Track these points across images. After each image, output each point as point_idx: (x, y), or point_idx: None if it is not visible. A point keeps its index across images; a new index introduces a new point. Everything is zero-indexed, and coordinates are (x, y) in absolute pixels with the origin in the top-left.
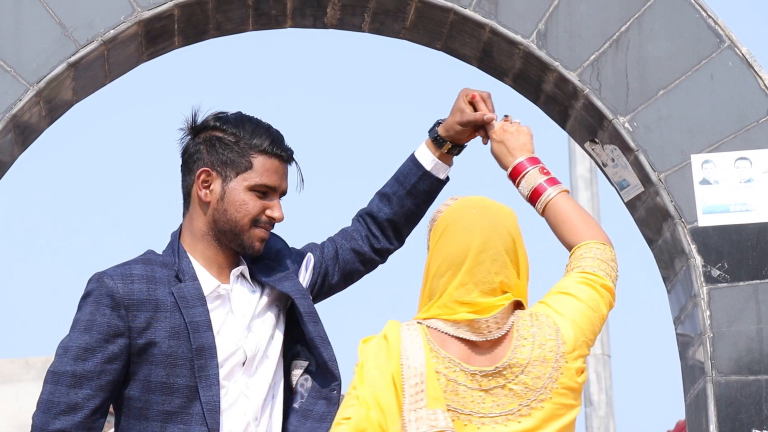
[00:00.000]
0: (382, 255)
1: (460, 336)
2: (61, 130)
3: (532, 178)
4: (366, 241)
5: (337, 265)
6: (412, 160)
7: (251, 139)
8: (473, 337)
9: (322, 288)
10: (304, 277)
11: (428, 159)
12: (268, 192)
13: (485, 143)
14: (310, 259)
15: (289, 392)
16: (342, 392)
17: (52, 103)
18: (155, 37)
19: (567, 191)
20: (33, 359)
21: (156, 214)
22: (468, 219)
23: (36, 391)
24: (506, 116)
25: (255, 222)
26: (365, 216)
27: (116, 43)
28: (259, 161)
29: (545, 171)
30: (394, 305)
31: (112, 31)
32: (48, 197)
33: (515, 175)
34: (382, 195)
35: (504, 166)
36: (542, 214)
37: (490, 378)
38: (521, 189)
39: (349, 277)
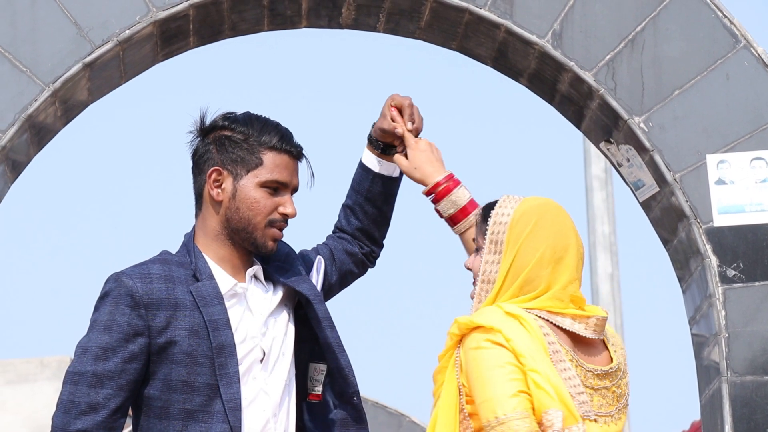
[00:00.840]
0: (370, 260)
1: (575, 331)
2: (77, 131)
3: (460, 197)
4: (353, 245)
5: (334, 265)
6: (361, 166)
7: (260, 136)
8: (591, 335)
9: (327, 288)
10: (317, 280)
11: (373, 161)
12: (279, 188)
13: (400, 151)
14: (321, 263)
15: (303, 392)
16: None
17: (68, 103)
18: (170, 38)
19: None
20: (48, 359)
21: (171, 214)
22: (557, 216)
23: (51, 391)
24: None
25: (271, 222)
26: (337, 232)
27: (131, 44)
28: (269, 158)
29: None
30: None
31: (127, 32)
32: (63, 197)
33: (438, 190)
34: (345, 207)
35: (418, 179)
36: (462, 234)
37: (601, 378)
38: (443, 205)
39: (344, 279)
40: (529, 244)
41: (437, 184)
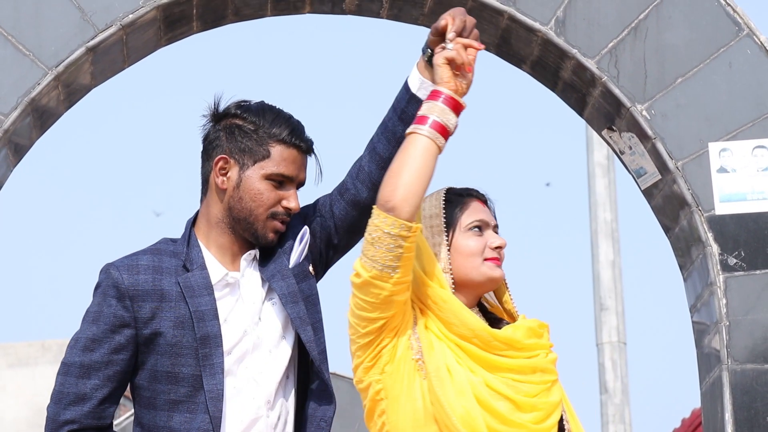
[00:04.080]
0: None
1: None
2: (80, 114)
3: (433, 109)
4: (364, 183)
5: (333, 220)
6: (404, 85)
7: (271, 128)
8: None
9: (334, 248)
10: (296, 251)
11: (415, 80)
12: (284, 182)
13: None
14: (305, 233)
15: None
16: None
17: (71, 87)
18: (174, 22)
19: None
20: (49, 342)
21: (173, 199)
22: None
23: (52, 374)
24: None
25: (273, 215)
26: (368, 155)
27: (135, 28)
28: (276, 150)
29: (442, 119)
30: None
31: (130, 16)
32: (65, 180)
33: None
34: (376, 134)
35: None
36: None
37: None
38: (453, 117)
39: (352, 230)
40: None
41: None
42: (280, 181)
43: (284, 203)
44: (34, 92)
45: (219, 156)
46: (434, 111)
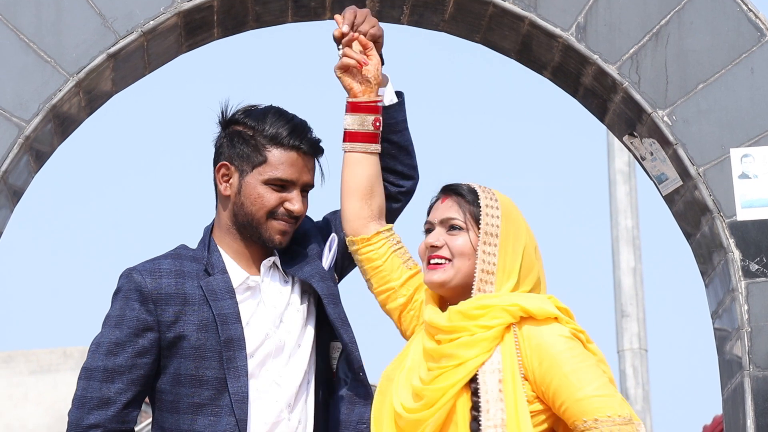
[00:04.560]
0: (404, 195)
1: None
2: (101, 121)
3: (345, 121)
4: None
5: None
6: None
7: (268, 131)
8: None
9: (350, 257)
10: (327, 257)
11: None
12: (286, 185)
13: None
14: (334, 240)
15: (330, 374)
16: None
17: (92, 94)
18: (194, 29)
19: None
20: (70, 349)
21: (192, 204)
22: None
23: (73, 381)
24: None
25: (272, 214)
26: None
27: (156, 35)
28: (274, 155)
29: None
30: None
31: (151, 23)
32: (86, 187)
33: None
34: None
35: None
36: (358, 153)
37: None
38: (360, 120)
39: None
40: (530, 241)
41: (376, 100)
42: (281, 185)
43: (287, 205)
44: (56, 99)
45: (220, 163)
46: (345, 122)
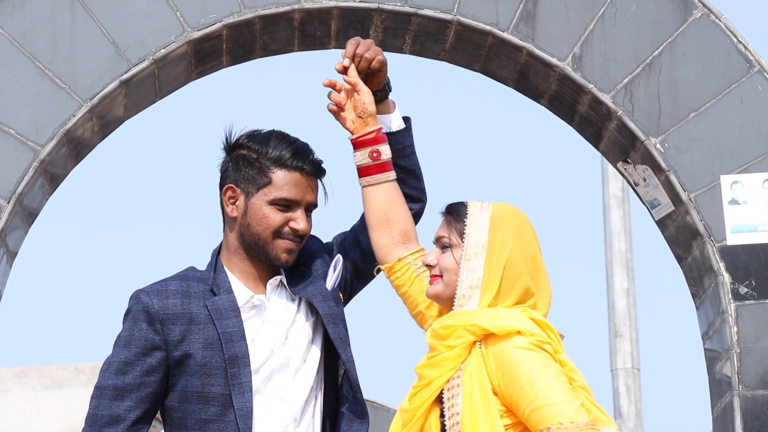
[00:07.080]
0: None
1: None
2: (113, 145)
3: (355, 159)
4: None
5: (358, 250)
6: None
7: (272, 154)
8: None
9: (358, 276)
10: (331, 278)
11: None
12: (290, 205)
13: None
14: (339, 261)
15: (338, 391)
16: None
17: (105, 119)
18: (204, 57)
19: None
20: (82, 365)
21: (202, 227)
22: (528, 224)
23: (85, 396)
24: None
25: (278, 233)
26: None
27: (167, 62)
28: (278, 176)
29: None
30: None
31: (163, 51)
32: (99, 209)
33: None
34: None
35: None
36: (365, 187)
37: None
38: (361, 155)
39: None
40: (517, 252)
41: (368, 132)
42: (286, 205)
43: (292, 224)
44: (70, 124)
45: (227, 186)
46: (354, 160)
